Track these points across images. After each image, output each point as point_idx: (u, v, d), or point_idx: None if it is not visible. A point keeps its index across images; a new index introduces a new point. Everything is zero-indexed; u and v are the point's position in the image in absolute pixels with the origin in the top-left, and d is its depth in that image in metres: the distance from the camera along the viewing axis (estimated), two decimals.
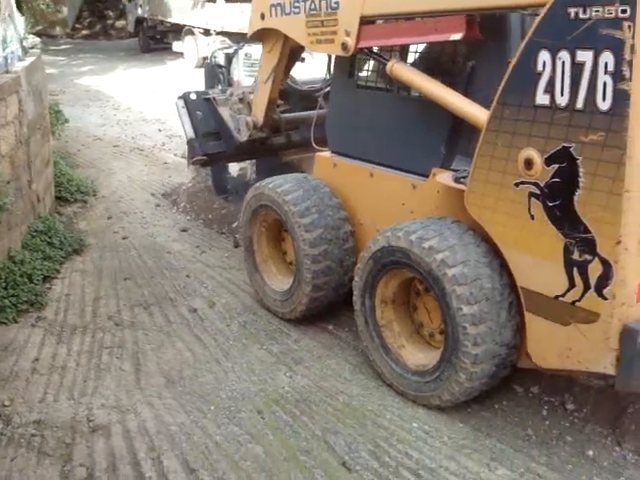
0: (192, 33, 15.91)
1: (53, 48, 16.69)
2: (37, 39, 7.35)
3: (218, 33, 14.89)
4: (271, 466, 3.14)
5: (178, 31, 16.73)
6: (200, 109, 5.36)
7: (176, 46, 16.86)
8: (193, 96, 5.39)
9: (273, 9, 4.48)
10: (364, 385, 3.82)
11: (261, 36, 4.75)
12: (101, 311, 4.76)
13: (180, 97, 5.41)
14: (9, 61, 5.41)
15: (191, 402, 3.67)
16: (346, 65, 4.23)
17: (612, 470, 3.14)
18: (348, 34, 3.90)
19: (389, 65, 3.73)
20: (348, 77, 4.23)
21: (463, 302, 3.12)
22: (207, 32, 15.34)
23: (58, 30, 18.63)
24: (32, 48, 6.51)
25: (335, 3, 3.94)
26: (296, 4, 4.26)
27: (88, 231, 6.38)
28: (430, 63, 3.73)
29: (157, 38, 18.88)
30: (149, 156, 8.98)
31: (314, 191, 4.22)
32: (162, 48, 18.78)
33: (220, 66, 6.09)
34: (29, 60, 5.92)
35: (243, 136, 5.18)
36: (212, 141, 5.33)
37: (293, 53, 4.80)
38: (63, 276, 5.32)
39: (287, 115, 5.32)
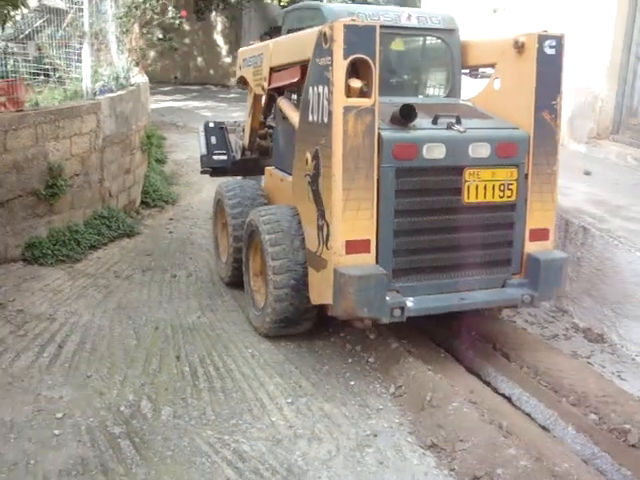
0: None
1: (222, 96, 20.15)
2: (142, 79, 10.06)
3: None
4: (132, 349, 4.98)
5: None
6: (215, 134, 7.47)
7: None
8: (211, 124, 7.52)
9: (242, 62, 6.55)
10: (243, 328, 5.49)
11: (242, 81, 6.78)
12: (113, 269, 6.91)
13: (202, 125, 7.59)
14: (97, 91, 7.99)
15: (120, 317, 5.60)
16: None
17: (356, 392, 4.50)
18: (265, 79, 5.78)
19: (278, 100, 5.55)
20: (280, 111, 6.07)
21: (266, 232, 4.83)
22: None
23: (233, 81, 22.12)
24: (132, 86, 9.15)
25: (261, 59, 5.87)
26: (250, 60, 6.26)
27: (149, 225, 8.72)
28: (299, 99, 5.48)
29: None
30: None
31: (244, 182, 6.16)
32: None
33: None
34: (119, 93, 8.49)
35: (238, 156, 7.20)
36: (218, 157, 7.38)
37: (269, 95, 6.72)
38: (107, 248, 7.60)
39: None
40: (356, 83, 4.14)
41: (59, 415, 4.04)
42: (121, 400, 4.26)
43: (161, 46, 14.22)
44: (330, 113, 4.18)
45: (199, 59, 22.22)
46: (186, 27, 20.63)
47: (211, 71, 21.98)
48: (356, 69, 4.19)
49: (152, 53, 19.54)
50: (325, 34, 4.19)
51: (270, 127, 7.04)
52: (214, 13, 21.25)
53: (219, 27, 22.09)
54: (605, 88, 7.92)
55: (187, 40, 21.66)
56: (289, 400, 4.35)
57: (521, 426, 4.04)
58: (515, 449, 3.66)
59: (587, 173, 7.16)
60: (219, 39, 22.08)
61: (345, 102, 4.12)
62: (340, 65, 4.08)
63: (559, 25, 8.06)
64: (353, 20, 4.14)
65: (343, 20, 4.11)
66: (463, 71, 5.37)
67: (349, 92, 4.13)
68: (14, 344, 4.97)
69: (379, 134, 4.23)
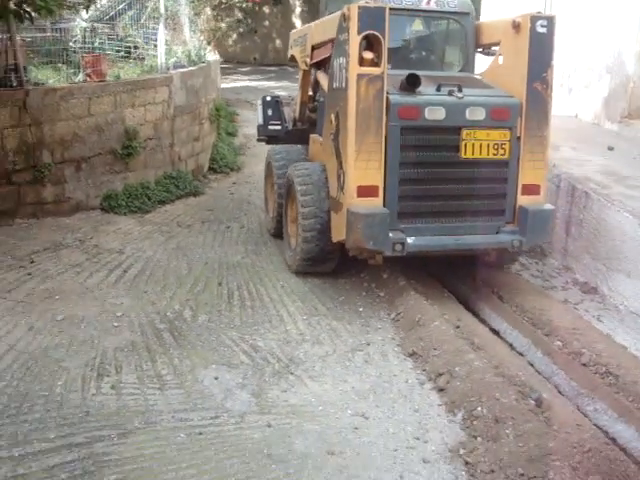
0: None
1: (297, 77, 21.24)
2: (213, 57, 11.23)
3: None
4: (183, 276, 6.10)
5: None
6: (271, 107, 8.48)
7: None
8: (268, 98, 8.52)
9: (292, 42, 7.57)
10: (280, 267, 6.51)
11: (292, 60, 7.79)
12: (177, 219, 8.06)
13: (260, 98, 8.63)
14: (170, 67, 9.18)
15: (176, 254, 6.74)
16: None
17: (363, 316, 5.45)
18: (308, 56, 6.77)
19: (317, 73, 6.53)
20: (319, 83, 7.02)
21: (299, 184, 5.83)
22: None
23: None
24: (203, 63, 10.33)
25: (305, 39, 6.86)
26: (298, 40, 7.27)
27: (213, 187, 9.87)
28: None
29: None
30: None
31: (290, 147, 7.15)
32: None
33: None
34: (190, 68, 9.66)
35: (290, 126, 8.20)
36: (273, 127, 8.39)
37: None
38: (173, 204, 8.76)
39: None
40: (368, 55, 5.06)
41: (119, 314, 5.20)
42: (168, 308, 5.38)
43: (238, 28, 15.39)
44: (347, 80, 5.12)
45: (277, 41, 23.38)
46: (265, 10, 21.81)
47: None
48: (370, 44, 5.10)
49: (234, 35, 20.83)
50: (344, 14, 5.13)
51: (318, 101, 7.98)
52: None
53: (297, 10, 23.18)
54: (637, 70, 8.49)
55: (267, 23, 22.86)
56: (304, 317, 5.35)
57: (492, 346, 4.89)
58: (475, 355, 4.53)
59: (610, 148, 7.81)
60: (297, 22, 23.16)
61: (359, 70, 5.05)
62: (355, 40, 5.02)
63: (596, 10, 8.73)
64: (367, 3, 5.06)
65: (359, 3, 5.04)
66: (478, 49, 6.18)
67: (362, 62, 5.06)
68: (89, 267, 6.20)
69: (387, 97, 5.13)
